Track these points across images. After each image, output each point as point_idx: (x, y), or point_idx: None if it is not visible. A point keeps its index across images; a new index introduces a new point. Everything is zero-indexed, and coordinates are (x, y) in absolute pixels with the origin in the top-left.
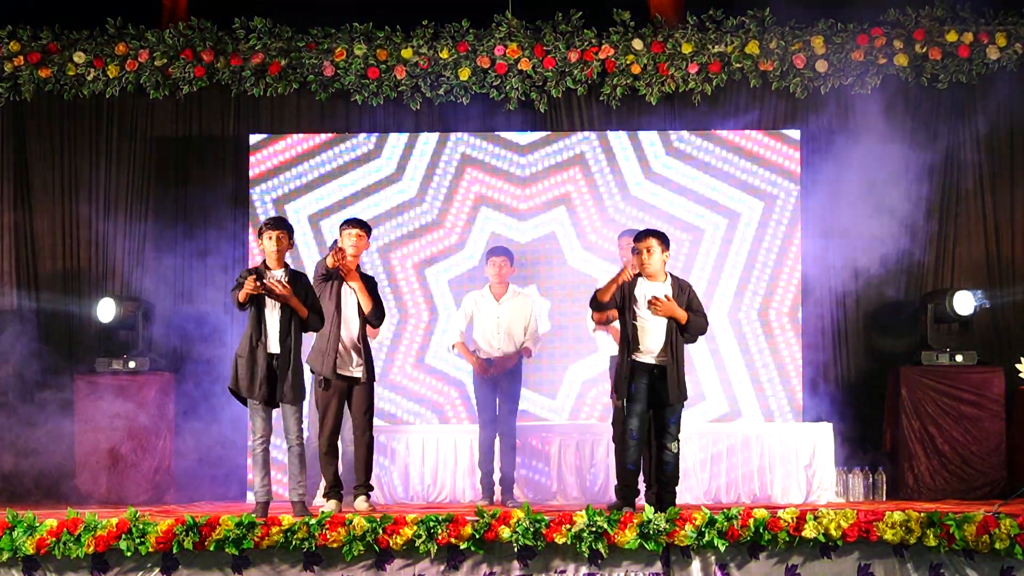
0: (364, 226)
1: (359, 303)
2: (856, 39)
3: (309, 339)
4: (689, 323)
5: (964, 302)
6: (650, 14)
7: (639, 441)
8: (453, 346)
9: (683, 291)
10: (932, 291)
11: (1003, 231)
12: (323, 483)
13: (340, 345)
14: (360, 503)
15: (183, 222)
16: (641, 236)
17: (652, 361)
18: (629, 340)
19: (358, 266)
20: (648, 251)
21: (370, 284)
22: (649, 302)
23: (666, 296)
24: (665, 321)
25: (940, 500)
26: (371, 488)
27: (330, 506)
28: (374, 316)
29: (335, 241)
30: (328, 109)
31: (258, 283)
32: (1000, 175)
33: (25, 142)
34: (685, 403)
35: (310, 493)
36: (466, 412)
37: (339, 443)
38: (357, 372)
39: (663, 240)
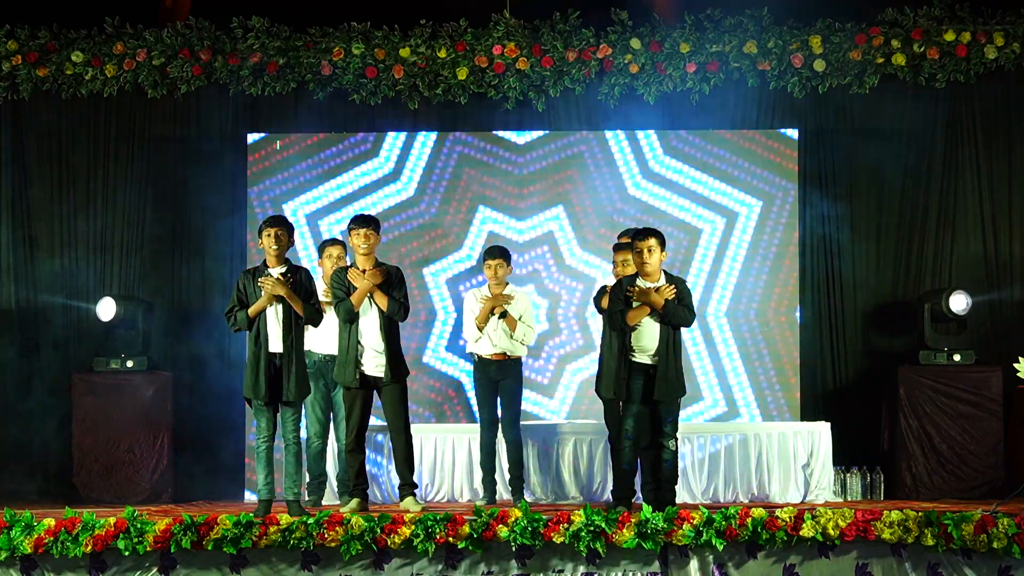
0: (372, 223)
1: (377, 304)
2: (854, 38)
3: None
4: (666, 311)
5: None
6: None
7: (634, 442)
8: (481, 330)
9: (674, 286)
10: (930, 290)
11: (1001, 230)
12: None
13: (359, 351)
14: (409, 503)
15: (181, 221)
16: (643, 235)
17: (648, 361)
18: (626, 341)
19: (376, 261)
20: (649, 250)
21: (390, 280)
22: (626, 291)
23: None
24: (658, 323)
25: (938, 499)
26: (415, 486)
27: (352, 505)
28: (393, 312)
29: (325, 240)
30: (326, 108)
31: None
32: (997, 174)
33: (23, 141)
34: (681, 403)
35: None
36: (464, 412)
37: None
38: (380, 373)
39: (662, 240)
